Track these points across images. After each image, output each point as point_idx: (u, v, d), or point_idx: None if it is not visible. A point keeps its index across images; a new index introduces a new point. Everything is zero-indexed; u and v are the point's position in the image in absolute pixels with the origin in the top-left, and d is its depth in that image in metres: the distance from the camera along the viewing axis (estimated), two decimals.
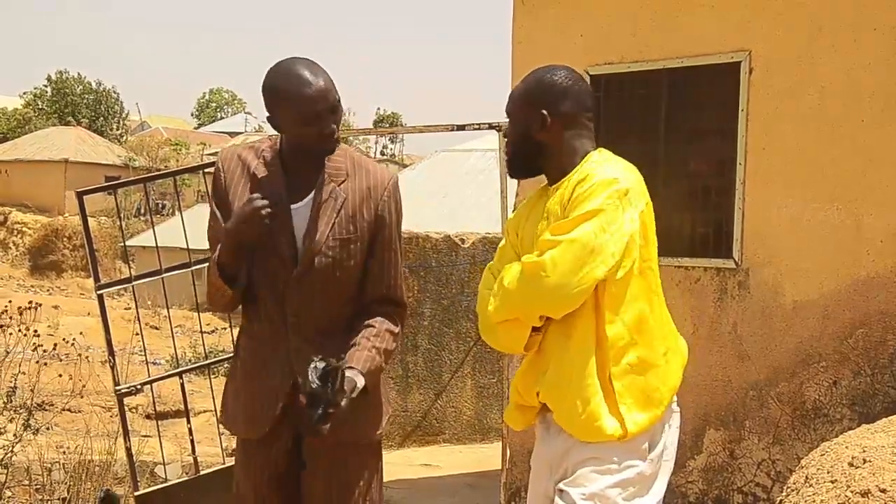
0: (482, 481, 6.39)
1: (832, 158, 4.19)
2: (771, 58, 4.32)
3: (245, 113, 52.53)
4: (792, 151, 4.30)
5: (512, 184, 4.60)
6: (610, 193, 2.19)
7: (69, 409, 7.92)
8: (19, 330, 5.93)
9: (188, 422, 4.56)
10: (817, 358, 4.24)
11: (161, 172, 7.04)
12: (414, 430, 8.18)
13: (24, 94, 45.34)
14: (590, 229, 2.17)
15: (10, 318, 5.92)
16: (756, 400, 4.42)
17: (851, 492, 2.49)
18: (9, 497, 5.64)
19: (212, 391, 4.55)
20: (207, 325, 6.62)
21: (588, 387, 2.24)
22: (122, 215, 9.41)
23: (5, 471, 5.55)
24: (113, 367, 4.23)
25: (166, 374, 5.00)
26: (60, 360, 7.81)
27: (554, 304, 2.22)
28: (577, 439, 2.28)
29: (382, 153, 45.87)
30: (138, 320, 4.94)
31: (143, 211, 31.74)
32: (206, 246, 2.57)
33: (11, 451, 5.51)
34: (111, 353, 4.26)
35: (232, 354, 2.75)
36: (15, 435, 5.53)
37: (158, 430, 4.99)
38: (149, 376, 4.54)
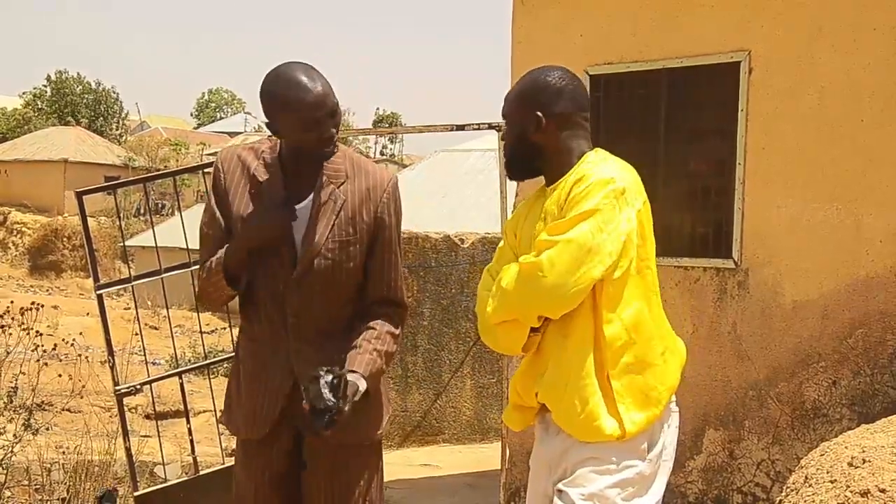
0: (482, 481, 6.39)
1: (832, 158, 4.19)
2: (771, 58, 4.32)
3: (244, 113, 52.48)
4: (792, 151, 4.30)
5: (511, 184, 4.58)
6: (606, 193, 2.19)
7: (69, 409, 7.92)
8: (23, 329, 5.92)
9: (188, 422, 4.56)
10: (817, 358, 4.24)
11: (161, 172, 7.03)
12: (414, 430, 8.19)
13: (24, 94, 45.32)
14: (587, 229, 2.17)
15: (12, 318, 5.91)
16: (755, 400, 4.42)
17: (851, 492, 2.49)
18: (8, 497, 5.64)
19: (211, 391, 4.55)
20: (207, 325, 6.61)
21: (586, 387, 2.24)
22: (121, 215, 9.41)
23: (5, 471, 5.55)
24: (112, 367, 4.23)
25: (166, 374, 4.99)
26: (60, 361, 7.81)
27: (552, 305, 2.22)
28: (575, 439, 2.28)
29: (382, 153, 45.86)
30: (138, 320, 4.94)
31: (142, 211, 31.72)
32: None
33: (11, 452, 5.51)
34: (111, 353, 4.26)
35: (231, 354, 2.76)
36: (15, 435, 5.53)
37: (158, 430, 4.98)
38: (148, 376, 4.53)
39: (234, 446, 2.84)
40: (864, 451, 2.68)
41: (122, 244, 24.23)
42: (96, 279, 4.27)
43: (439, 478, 6.97)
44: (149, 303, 14.68)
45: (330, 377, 2.25)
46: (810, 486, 2.70)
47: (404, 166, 29.28)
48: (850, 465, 2.63)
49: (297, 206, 2.46)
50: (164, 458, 5.45)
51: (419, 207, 10.97)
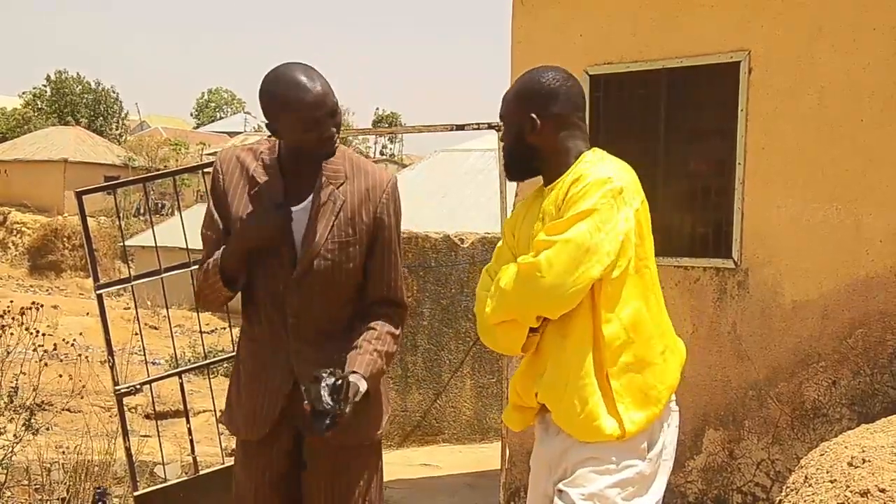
0: (481, 481, 6.40)
1: (832, 158, 4.19)
2: (771, 58, 4.33)
3: (244, 113, 52.46)
4: (792, 151, 4.30)
5: (511, 184, 4.58)
6: (604, 193, 2.19)
7: (69, 409, 7.92)
8: (24, 329, 5.93)
9: (187, 422, 4.56)
10: (816, 358, 4.24)
11: (160, 172, 7.03)
12: (413, 430, 8.19)
13: (24, 93, 45.30)
14: (585, 229, 2.17)
15: (13, 318, 5.92)
16: (755, 400, 4.42)
17: (851, 491, 2.49)
18: (8, 497, 5.64)
19: (211, 391, 4.55)
20: (207, 325, 6.61)
21: (586, 386, 2.24)
22: (121, 215, 9.41)
23: (5, 471, 5.55)
24: (112, 367, 4.23)
25: (165, 374, 4.99)
26: (60, 361, 7.80)
27: (550, 305, 2.22)
28: (575, 439, 2.28)
29: (382, 153, 45.87)
30: (137, 320, 4.94)
31: (142, 211, 31.73)
32: None
33: (11, 451, 5.51)
34: (110, 353, 4.26)
35: (231, 355, 2.76)
36: (15, 435, 5.53)
37: (158, 430, 4.98)
38: (148, 376, 4.53)
39: (234, 446, 2.84)
40: (863, 451, 2.69)
41: (121, 244, 24.24)
42: (96, 279, 4.27)
43: (439, 478, 6.98)
44: (149, 303, 14.70)
45: (332, 380, 2.25)
46: (810, 485, 2.70)
47: (404, 166, 29.28)
48: (849, 464, 2.63)
49: (296, 207, 2.46)
50: (164, 458, 5.45)
51: (419, 207, 10.98)
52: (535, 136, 2.35)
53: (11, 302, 6.65)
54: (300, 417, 2.33)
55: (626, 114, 4.77)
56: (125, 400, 4.34)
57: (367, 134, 41.13)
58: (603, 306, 2.24)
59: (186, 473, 5.60)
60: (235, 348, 2.75)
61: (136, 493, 4.21)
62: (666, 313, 2.39)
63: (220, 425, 4.45)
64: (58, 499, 5.79)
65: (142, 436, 6.58)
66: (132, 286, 4.38)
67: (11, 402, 5.73)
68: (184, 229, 4.40)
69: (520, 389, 2.43)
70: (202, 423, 8.29)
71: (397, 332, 2.55)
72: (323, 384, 2.23)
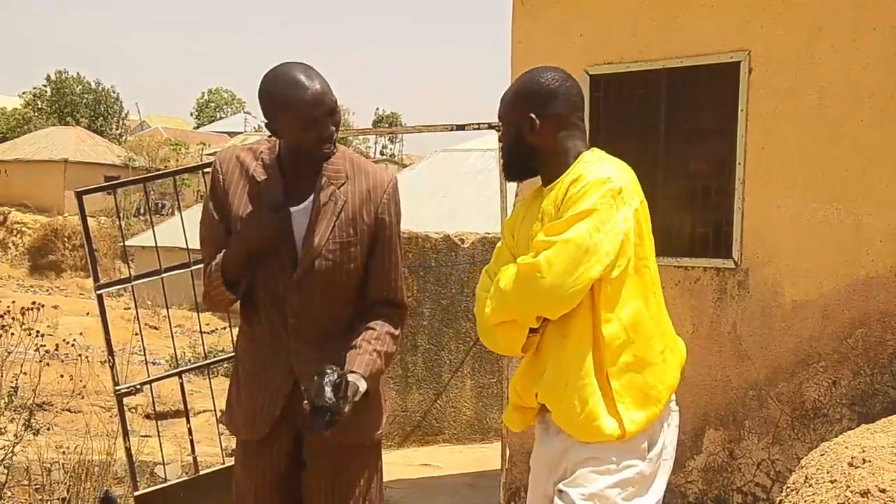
0: (482, 481, 6.40)
1: (832, 158, 4.19)
2: (771, 58, 4.33)
3: (244, 113, 52.46)
4: (792, 151, 4.30)
5: (511, 184, 4.61)
6: (603, 193, 2.19)
7: (69, 409, 7.93)
8: (24, 329, 5.93)
9: (188, 422, 4.56)
10: (817, 358, 4.24)
11: (161, 172, 7.02)
12: (414, 430, 8.19)
13: (24, 93, 45.28)
14: (584, 229, 2.17)
15: (13, 318, 5.92)
16: (755, 400, 4.42)
17: (851, 492, 2.49)
18: (8, 497, 5.64)
19: (211, 391, 4.55)
20: (207, 325, 6.62)
21: (586, 386, 2.24)
22: (121, 215, 9.41)
23: (5, 471, 5.55)
24: (112, 367, 4.23)
25: (166, 374, 4.99)
26: (61, 361, 7.81)
27: (550, 305, 2.22)
28: (575, 439, 2.28)
29: (382, 153, 45.89)
30: (138, 320, 4.93)
31: (142, 211, 31.73)
32: None
33: (12, 452, 5.51)
34: (111, 353, 4.26)
35: (232, 354, 2.76)
36: (15, 435, 5.53)
37: (158, 430, 4.98)
38: (148, 376, 4.53)
39: (234, 446, 2.84)
40: (864, 451, 2.69)
41: (122, 244, 24.24)
42: (96, 279, 4.27)
43: (439, 478, 6.98)
44: (149, 303, 14.69)
45: (334, 376, 2.26)
46: (810, 486, 2.70)
47: (404, 166, 29.29)
48: (850, 465, 2.63)
49: (297, 208, 2.46)
50: (164, 458, 5.45)
51: (419, 207, 10.99)
52: (534, 136, 2.35)
53: (13, 302, 6.64)
54: (300, 417, 2.33)
55: (626, 114, 4.77)
56: (125, 400, 4.34)
57: (367, 134, 41.14)
58: (603, 306, 2.24)
59: (187, 473, 5.61)
60: (235, 348, 2.75)
61: (136, 493, 4.21)
62: (666, 313, 2.39)
63: (220, 425, 4.46)
64: (58, 499, 5.80)
65: (142, 436, 6.58)
66: (132, 286, 4.38)
67: (11, 402, 5.73)
68: (184, 229, 4.40)
69: (520, 390, 2.43)
70: (202, 423, 8.29)
71: (397, 332, 2.55)
72: (326, 379, 2.24)
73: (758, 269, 4.40)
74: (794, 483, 2.87)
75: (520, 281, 2.23)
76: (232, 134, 41.99)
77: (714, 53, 4.47)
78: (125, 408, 4.39)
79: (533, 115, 2.33)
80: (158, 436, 4.92)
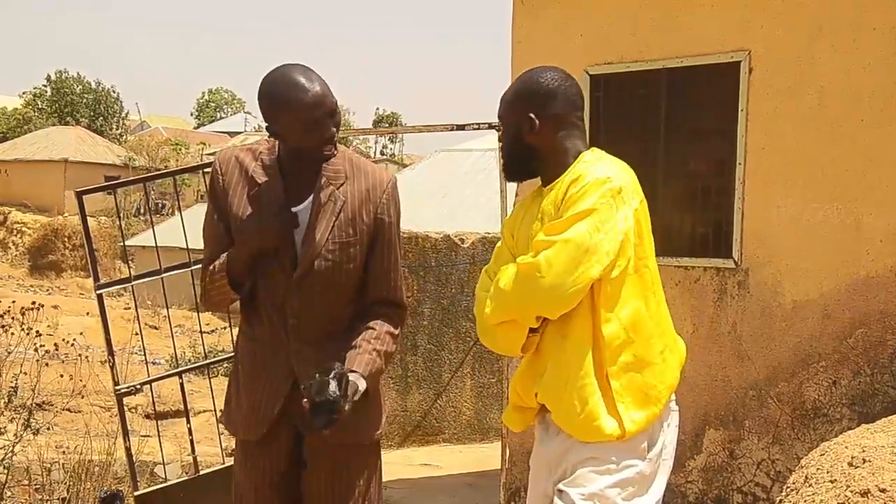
0: (482, 481, 6.40)
1: (832, 158, 4.19)
2: (771, 58, 4.33)
3: (245, 113, 52.47)
4: (792, 151, 4.30)
5: (511, 184, 4.61)
6: (603, 192, 2.19)
7: (69, 409, 7.93)
8: (24, 329, 5.93)
9: (188, 422, 4.56)
10: (817, 358, 4.24)
11: (161, 172, 7.03)
12: (414, 429, 8.19)
13: (24, 93, 45.29)
14: (584, 229, 2.17)
15: (13, 318, 5.92)
16: (756, 400, 4.42)
17: (851, 491, 2.49)
18: (8, 497, 5.64)
19: (211, 391, 4.55)
20: (207, 325, 6.62)
21: (586, 386, 2.24)
22: (121, 215, 9.41)
23: (5, 471, 5.55)
24: (112, 367, 4.23)
25: (166, 373, 4.99)
26: (61, 361, 7.81)
27: (550, 305, 2.22)
28: (575, 439, 2.28)
29: (382, 153, 45.90)
30: (138, 320, 4.94)
31: (142, 211, 31.73)
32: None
33: (12, 451, 5.51)
34: (111, 352, 4.26)
35: (232, 354, 2.76)
36: (15, 435, 5.53)
37: (158, 430, 4.99)
38: (148, 376, 4.53)
39: (234, 446, 2.84)
40: (864, 451, 2.68)
41: (122, 244, 24.24)
42: (96, 279, 4.27)
43: (439, 478, 6.98)
44: (149, 302, 14.69)
45: (339, 370, 2.26)
46: (810, 485, 2.70)
47: (404, 166, 29.28)
48: (850, 464, 2.63)
49: (296, 208, 2.46)
50: (165, 458, 5.45)
51: (419, 207, 10.99)
52: (533, 136, 2.34)
53: (13, 302, 6.65)
54: (299, 417, 2.33)
55: (626, 114, 4.77)
56: (125, 400, 4.34)
57: (367, 134, 41.16)
58: (602, 306, 2.24)
59: (187, 473, 5.60)
60: (234, 348, 2.75)
61: (136, 493, 4.21)
62: (667, 312, 2.39)
63: (220, 425, 4.45)
64: (58, 499, 5.80)
65: (142, 436, 6.57)
66: (132, 286, 4.38)
67: (11, 401, 5.73)
68: (184, 229, 4.40)
69: (520, 390, 2.43)
70: (202, 423, 8.29)
71: (396, 331, 2.55)
72: (332, 374, 2.24)
73: (758, 269, 4.40)
74: (794, 483, 2.87)
75: (520, 280, 2.23)
76: (232, 134, 41.98)
77: (714, 53, 4.47)
78: (125, 408, 4.39)
79: (532, 115, 2.33)
80: (158, 436, 4.92)
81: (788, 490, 2.88)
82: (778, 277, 4.35)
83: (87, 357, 7.62)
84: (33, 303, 6.29)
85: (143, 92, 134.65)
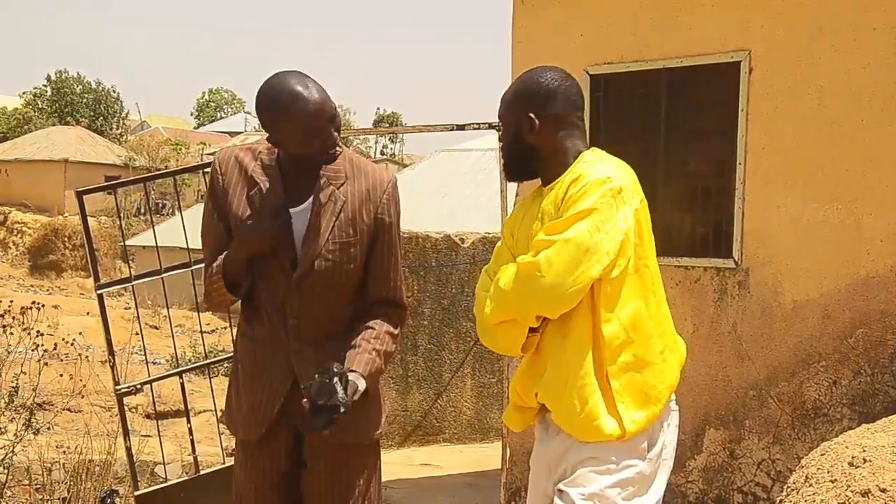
0: (482, 481, 6.40)
1: (832, 158, 4.19)
2: (771, 58, 4.33)
3: (244, 113, 52.47)
4: (792, 151, 4.30)
5: (511, 184, 4.62)
6: (603, 192, 2.19)
7: (69, 409, 7.92)
8: (24, 329, 5.93)
9: (188, 421, 4.56)
10: (817, 358, 4.24)
11: (161, 172, 7.03)
12: (414, 429, 8.19)
13: (24, 93, 45.30)
14: (584, 228, 2.17)
15: (13, 318, 5.92)
16: (756, 400, 4.42)
17: (851, 491, 2.49)
18: (9, 497, 5.64)
19: (212, 391, 4.55)
20: (207, 324, 6.63)
21: (586, 386, 2.24)
22: (121, 215, 9.41)
23: (6, 471, 5.55)
24: (113, 367, 4.23)
25: (166, 373, 4.99)
26: (61, 360, 7.82)
27: (550, 304, 2.22)
28: (575, 439, 2.28)
29: (382, 153, 45.91)
30: (138, 320, 4.94)
31: (143, 211, 31.73)
32: None
33: (12, 451, 5.51)
34: (111, 352, 4.26)
35: (231, 355, 2.76)
36: (16, 434, 5.53)
37: (158, 429, 4.99)
38: (149, 376, 4.54)
39: (234, 446, 2.85)
40: (864, 451, 2.69)
41: (122, 244, 24.26)
42: (96, 279, 4.27)
43: (439, 478, 6.98)
44: (149, 302, 14.70)
45: (340, 370, 2.26)
46: (811, 485, 2.71)
47: (404, 166, 29.29)
48: (850, 464, 2.63)
49: (297, 209, 2.46)
50: (165, 458, 5.45)
51: (419, 207, 11.00)
52: (533, 135, 2.34)
53: (12, 302, 6.65)
54: (299, 417, 2.33)
55: (626, 114, 4.77)
56: (126, 399, 4.34)
57: (367, 134, 41.16)
58: (602, 306, 2.24)
59: (187, 473, 5.61)
60: (234, 348, 2.75)
61: (136, 493, 4.21)
62: (668, 312, 2.39)
63: (220, 425, 4.46)
64: (59, 498, 5.79)
65: (142, 435, 6.58)
66: (133, 286, 4.38)
67: (11, 401, 5.73)
68: (184, 229, 4.40)
69: (520, 389, 2.43)
70: (203, 423, 8.29)
71: (396, 331, 2.55)
72: (328, 375, 2.24)
73: (758, 269, 4.40)
74: (794, 483, 2.87)
75: (520, 280, 2.23)
76: (232, 134, 41.98)
77: (714, 53, 4.47)
78: (125, 407, 4.39)
79: (532, 115, 2.33)
80: (159, 435, 4.92)
81: (789, 490, 2.88)
82: (778, 277, 4.35)
83: (87, 357, 7.62)
84: (33, 303, 6.29)
85: (143, 92, 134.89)
